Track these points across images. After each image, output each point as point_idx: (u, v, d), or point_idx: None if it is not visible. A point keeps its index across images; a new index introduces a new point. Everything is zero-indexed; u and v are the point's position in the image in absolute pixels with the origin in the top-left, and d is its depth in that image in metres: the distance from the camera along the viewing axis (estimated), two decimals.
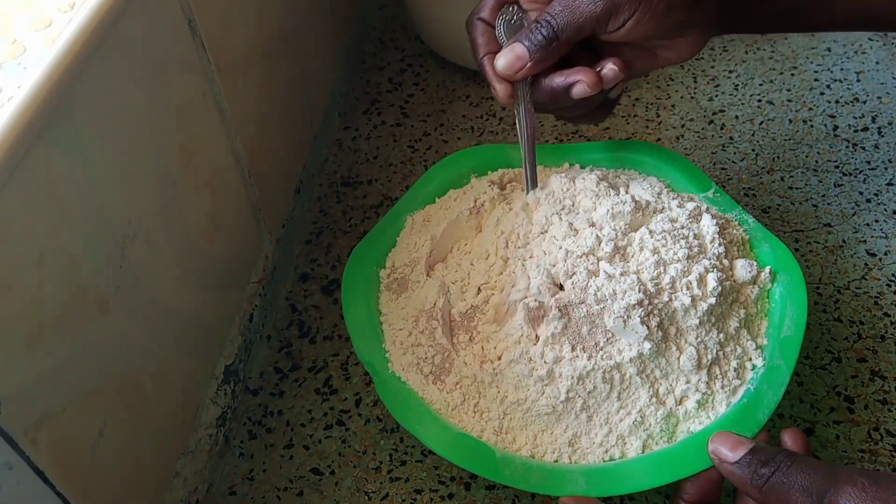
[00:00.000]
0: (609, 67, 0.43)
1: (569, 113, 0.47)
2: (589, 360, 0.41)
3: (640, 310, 0.41)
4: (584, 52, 0.45)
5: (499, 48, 0.45)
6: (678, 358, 0.42)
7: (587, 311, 0.42)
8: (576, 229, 0.45)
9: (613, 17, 0.42)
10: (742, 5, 0.45)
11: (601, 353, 0.41)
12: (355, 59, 0.75)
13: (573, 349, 0.41)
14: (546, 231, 0.46)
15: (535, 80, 0.45)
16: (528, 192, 0.48)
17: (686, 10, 0.42)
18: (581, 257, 0.44)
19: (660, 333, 0.42)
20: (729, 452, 0.37)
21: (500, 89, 0.45)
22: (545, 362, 0.42)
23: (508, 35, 0.45)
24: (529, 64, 0.43)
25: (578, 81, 0.43)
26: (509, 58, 0.44)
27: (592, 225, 0.45)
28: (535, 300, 0.43)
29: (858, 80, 0.68)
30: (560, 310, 0.42)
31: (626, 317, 0.41)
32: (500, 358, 0.43)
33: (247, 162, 0.49)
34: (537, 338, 0.43)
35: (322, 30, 0.65)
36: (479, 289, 0.46)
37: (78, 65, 0.31)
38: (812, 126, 0.65)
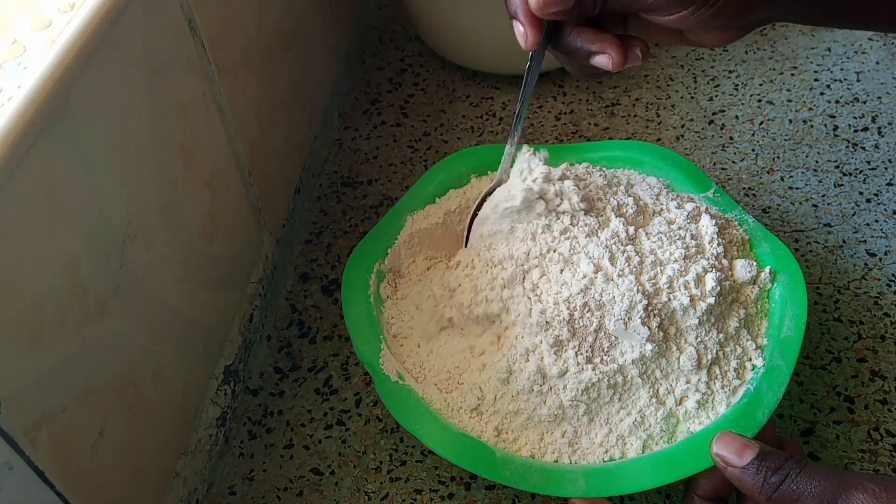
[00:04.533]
0: (636, 52, 0.40)
1: (569, 64, 0.43)
2: (594, 371, 0.41)
3: (641, 311, 0.41)
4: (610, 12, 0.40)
5: None
6: (678, 358, 0.42)
7: (589, 318, 0.42)
8: (577, 232, 0.45)
9: (668, 8, 0.38)
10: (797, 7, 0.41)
11: (605, 357, 0.41)
12: (355, 59, 0.75)
13: (577, 363, 0.41)
14: (545, 234, 0.46)
15: (557, 26, 0.40)
16: (511, 144, 0.45)
17: (740, 13, 0.39)
18: (583, 262, 0.44)
19: (660, 334, 0.42)
20: (735, 457, 0.37)
21: (530, 33, 0.39)
22: (549, 377, 0.41)
23: None
24: (566, 9, 0.38)
25: (606, 54, 0.39)
26: None
27: (594, 225, 0.45)
28: (545, 335, 0.42)
29: (858, 80, 0.68)
30: (567, 325, 0.42)
31: (626, 319, 0.41)
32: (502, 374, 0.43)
33: (247, 162, 0.49)
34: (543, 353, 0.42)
35: (322, 30, 0.65)
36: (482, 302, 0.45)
37: (78, 65, 0.31)
38: (812, 126, 0.65)
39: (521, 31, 0.40)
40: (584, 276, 0.43)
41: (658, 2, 0.38)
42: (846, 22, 0.43)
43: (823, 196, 0.59)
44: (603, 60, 0.40)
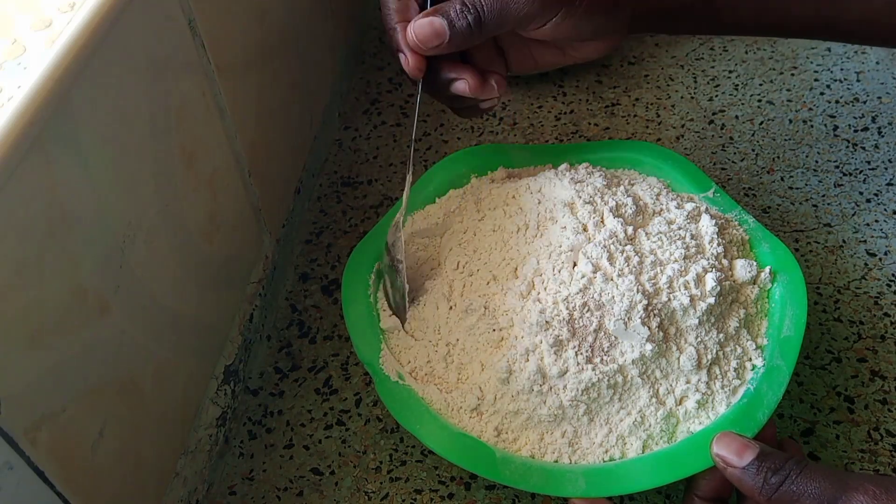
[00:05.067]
0: (491, 83, 0.43)
1: (441, 96, 0.46)
2: (594, 371, 0.41)
3: (640, 311, 0.41)
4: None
5: (410, 18, 0.42)
6: (678, 358, 0.42)
7: (589, 317, 0.42)
8: (576, 231, 0.45)
9: (539, 17, 0.41)
10: (656, 14, 0.45)
11: (605, 357, 0.41)
12: (355, 59, 0.75)
13: (577, 363, 0.41)
14: (545, 234, 0.46)
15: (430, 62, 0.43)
16: (408, 174, 0.47)
17: (605, 16, 0.42)
18: (581, 261, 0.44)
19: (660, 334, 0.42)
20: (735, 458, 0.37)
21: (413, 61, 0.42)
22: (549, 377, 0.41)
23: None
24: (444, 45, 0.41)
25: (463, 79, 0.43)
26: (426, 31, 0.41)
27: (595, 226, 0.45)
28: (545, 336, 0.42)
29: (858, 80, 0.68)
30: (567, 324, 0.42)
31: (626, 319, 0.41)
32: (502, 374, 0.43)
33: (247, 162, 0.49)
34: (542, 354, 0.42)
35: (322, 30, 0.65)
36: (482, 305, 0.45)
37: (78, 65, 0.31)
38: (812, 126, 0.65)
39: (405, 60, 0.43)
40: (583, 276, 0.43)
41: (530, 12, 0.40)
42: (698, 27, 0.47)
43: (823, 196, 0.59)
44: (461, 86, 0.43)
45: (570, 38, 0.43)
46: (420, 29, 0.41)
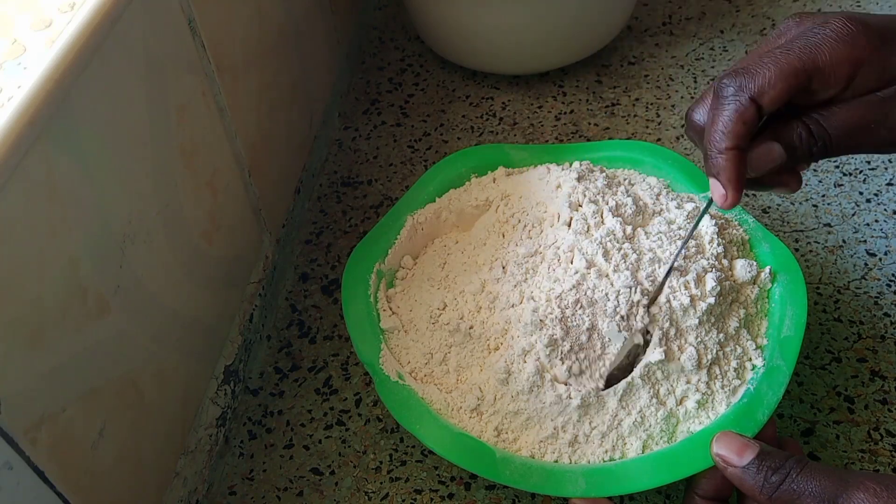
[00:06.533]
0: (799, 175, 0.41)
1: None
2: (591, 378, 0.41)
3: (640, 311, 0.41)
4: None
5: (746, 143, 0.38)
6: (678, 358, 0.42)
7: (589, 318, 0.42)
8: (577, 231, 0.45)
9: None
10: None
11: (602, 360, 0.41)
12: (355, 59, 0.75)
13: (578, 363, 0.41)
14: (546, 232, 0.46)
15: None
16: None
17: None
18: (583, 261, 0.44)
19: (660, 333, 0.42)
20: (735, 457, 0.37)
21: (731, 196, 0.38)
22: (549, 378, 0.41)
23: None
24: (776, 167, 0.38)
25: (787, 187, 0.40)
26: (764, 162, 0.38)
27: (595, 226, 0.45)
28: (542, 338, 0.42)
29: None
30: (563, 325, 0.42)
31: (620, 317, 0.41)
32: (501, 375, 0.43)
33: (247, 162, 0.49)
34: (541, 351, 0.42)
35: (322, 30, 0.65)
36: (477, 305, 0.45)
37: (78, 65, 0.31)
38: None
39: (722, 193, 0.39)
40: (577, 272, 0.43)
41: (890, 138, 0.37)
42: None
43: (823, 196, 0.59)
44: (782, 189, 0.41)
45: None
46: (759, 160, 0.38)
